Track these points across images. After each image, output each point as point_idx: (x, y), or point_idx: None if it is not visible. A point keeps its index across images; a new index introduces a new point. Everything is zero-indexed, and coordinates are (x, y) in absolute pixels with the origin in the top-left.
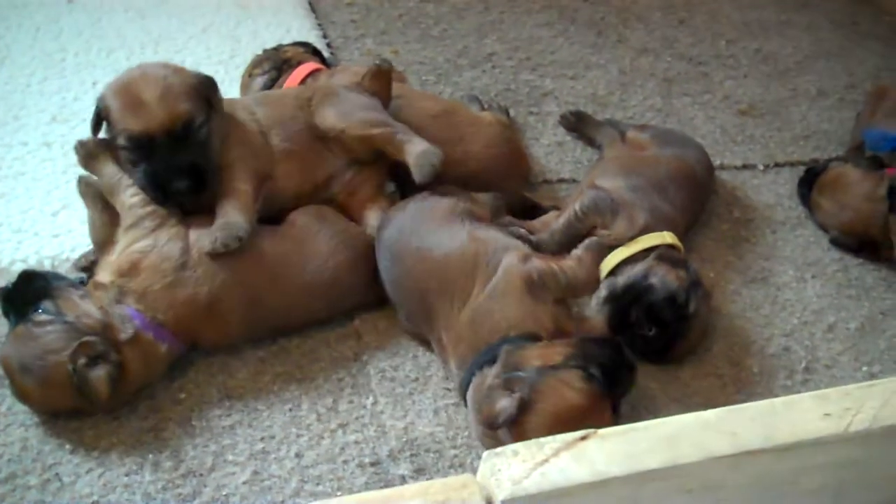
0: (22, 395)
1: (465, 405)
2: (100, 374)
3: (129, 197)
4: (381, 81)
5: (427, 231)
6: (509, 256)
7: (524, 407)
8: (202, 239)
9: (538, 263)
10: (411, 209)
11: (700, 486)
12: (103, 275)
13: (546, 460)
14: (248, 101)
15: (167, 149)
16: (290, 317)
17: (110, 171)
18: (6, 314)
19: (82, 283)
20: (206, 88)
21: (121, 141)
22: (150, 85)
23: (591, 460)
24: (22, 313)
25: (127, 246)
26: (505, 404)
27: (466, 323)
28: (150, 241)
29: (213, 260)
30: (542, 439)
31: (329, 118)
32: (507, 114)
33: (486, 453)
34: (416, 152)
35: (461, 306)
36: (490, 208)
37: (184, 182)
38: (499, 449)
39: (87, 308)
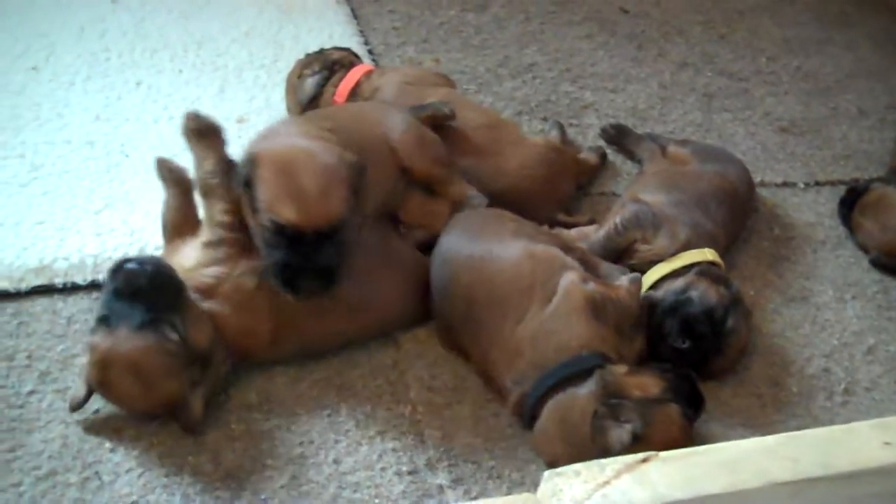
0: (114, 391)
1: (524, 419)
2: (198, 398)
3: (219, 213)
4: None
5: (484, 241)
6: (569, 275)
7: (636, 439)
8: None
9: (598, 286)
10: (474, 218)
11: None
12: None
13: (608, 482)
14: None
15: (311, 245)
16: (339, 341)
17: (211, 166)
18: (127, 296)
19: None
20: (359, 179)
21: (264, 220)
22: (312, 175)
23: (653, 483)
24: (152, 314)
25: (203, 265)
26: (620, 436)
27: (527, 340)
28: (226, 268)
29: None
30: (604, 461)
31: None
32: (564, 137)
33: (547, 472)
34: (465, 195)
35: (515, 323)
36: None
37: (317, 283)
38: (560, 469)
39: (204, 330)
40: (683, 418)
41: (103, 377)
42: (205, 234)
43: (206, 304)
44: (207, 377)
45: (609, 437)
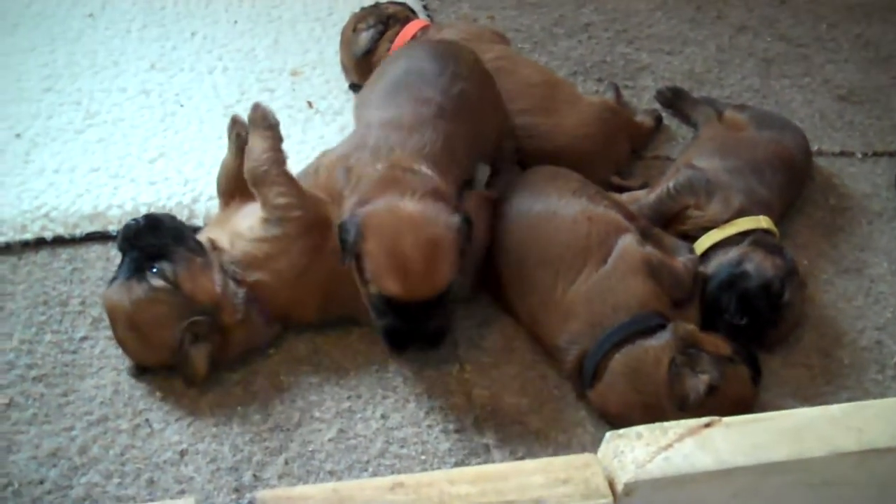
0: (121, 343)
1: (584, 377)
2: (201, 353)
3: (276, 196)
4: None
5: (544, 199)
6: (626, 238)
7: (711, 390)
8: None
9: (654, 250)
10: (540, 175)
11: (822, 482)
12: (224, 239)
13: (670, 445)
14: None
15: (418, 313)
16: None
17: (260, 152)
18: (122, 250)
19: (195, 230)
20: (465, 239)
21: (373, 290)
22: (417, 249)
23: (716, 448)
24: (139, 264)
25: (258, 239)
26: (696, 384)
27: (581, 301)
28: (285, 245)
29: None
30: (667, 424)
31: None
32: (620, 99)
33: (608, 434)
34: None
35: (567, 284)
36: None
37: (426, 346)
38: (622, 431)
39: (202, 283)
40: (752, 380)
41: (113, 331)
42: (264, 213)
43: (255, 276)
44: (216, 332)
45: (686, 385)
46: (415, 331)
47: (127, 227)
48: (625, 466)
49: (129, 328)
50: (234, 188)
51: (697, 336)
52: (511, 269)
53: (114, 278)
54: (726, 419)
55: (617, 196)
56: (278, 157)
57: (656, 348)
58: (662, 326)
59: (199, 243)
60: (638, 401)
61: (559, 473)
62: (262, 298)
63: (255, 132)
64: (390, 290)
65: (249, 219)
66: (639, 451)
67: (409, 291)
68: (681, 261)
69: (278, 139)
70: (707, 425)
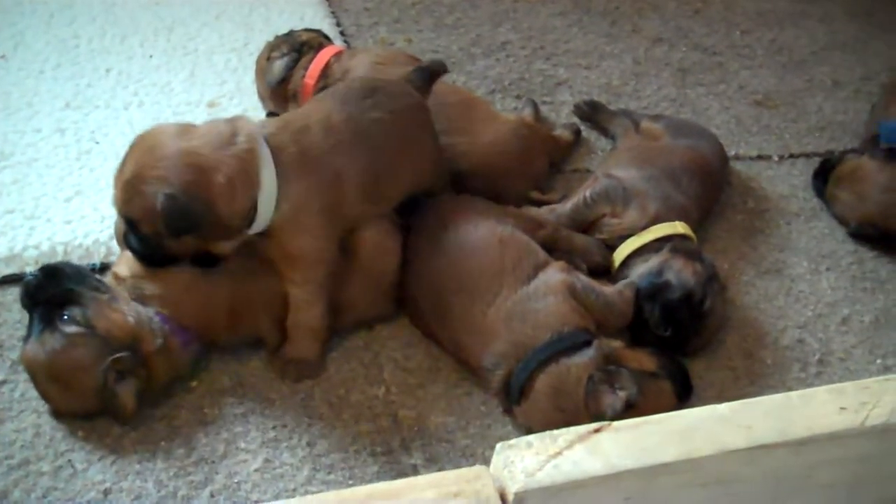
0: (44, 396)
1: (511, 396)
2: (128, 389)
3: None
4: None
5: (451, 227)
6: (555, 266)
7: (628, 406)
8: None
9: (581, 276)
10: (442, 204)
11: (714, 480)
12: (122, 268)
13: (560, 453)
14: None
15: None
16: None
17: None
18: (27, 309)
19: (94, 269)
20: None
21: None
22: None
23: (606, 453)
24: (48, 316)
25: None
26: (612, 401)
27: (502, 321)
28: None
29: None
30: (557, 431)
31: None
32: (537, 115)
33: (499, 445)
34: None
35: (485, 306)
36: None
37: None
38: (512, 441)
39: (116, 318)
40: (675, 396)
41: (36, 389)
42: None
43: (158, 288)
44: (139, 366)
45: (602, 402)
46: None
47: (26, 284)
48: (514, 476)
49: (50, 380)
50: None
51: (620, 352)
52: (428, 298)
53: (27, 337)
54: (616, 423)
55: (518, 211)
56: None
57: (578, 366)
58: (588, 343)
59: (100, 281)
60: (561, 419)
61: (451, 487)
62: (174, 314)
63: None
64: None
65: None
66: (529, 459)
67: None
68: (616, 288)
69: None
70: (597, 430)
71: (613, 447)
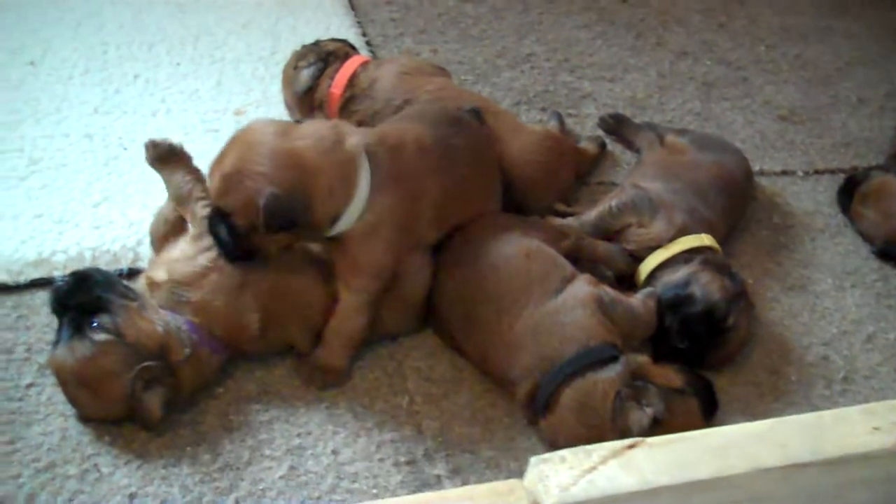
0: (72, 401)
1: (537, 408)
2: (155, 397)
3: (201, 209)
4: None
5: (477, 241)
6: (582, 279)
7: (655, 423)
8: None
9: (608, 289)
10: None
11: (747, 498)
12: (160, 273)
13: (594, 468)
14: None
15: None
16: None
17: (179, 178)
18: (57, 314)
19: (121, 275)
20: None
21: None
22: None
23: (640, 469)
24: (77, 323)
25: (193, 256)
26: (639, 417)
27: (529, 334)
28: (217, 256)
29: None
30: (591, 446)
31: None
32: (563, 127)
33: (533, 459)
34: None
35: (512, 319)
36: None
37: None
38: (546, 455)
39: (145, 327)
40: (702, 413)
41: (64, 394)
42: (193, 230)
43: (195, 295)
44: (167, 374)
45: (629, 419)
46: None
47: (56, 289)
48: (549, 490)
49: (79, 387)
50: (169, 230)
51: (647, 368)
52: (455, 310)
53: (56, 342)
54: (650, 439)
55: (541, 222)
56: (198, 175)
57: (605, 381)
58: (615, 358)
59: (129, 288)
60: (586, 434)
61: (484, 500)
62: (205, 324)
63: (164, 167)
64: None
65: (181, 243)
66: (563, 474)
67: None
68: (639, 298)
69: (189, 159)
70: (631, 446)
71: (648, 463)
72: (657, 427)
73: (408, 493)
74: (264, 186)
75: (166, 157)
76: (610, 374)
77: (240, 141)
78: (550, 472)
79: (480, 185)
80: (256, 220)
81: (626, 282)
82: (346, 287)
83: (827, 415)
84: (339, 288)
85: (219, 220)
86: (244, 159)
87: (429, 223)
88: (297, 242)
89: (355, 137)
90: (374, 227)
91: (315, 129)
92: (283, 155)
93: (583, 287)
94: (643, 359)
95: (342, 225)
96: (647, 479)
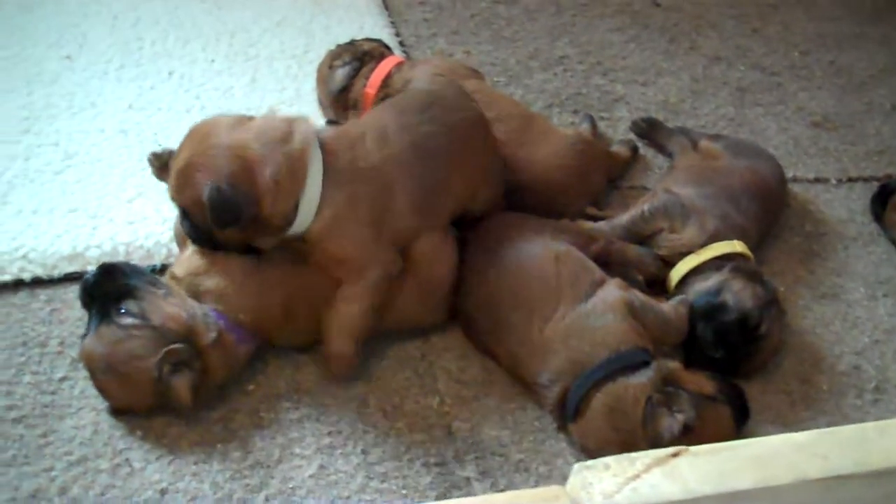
0: (102, 391)
1: (567, 412)
2: (184, 380)
3: None
4: None
5: (506, 243)
6: (613, 283)
7: (686, 430)
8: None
9: (639, 294)
10: (497, 221)
11: None
12: (178, 269)
13: (638, 476)
14: None
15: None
16: None
17: None
18: (86, 306)
19: (153, 270)
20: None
21: None
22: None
23: (684, 478)
24: (105, 311)
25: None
26: (670, 424)
27: (560, 338)
28: None
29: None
30: (634, 454)
31: None
32: (595, 130)
33: (576, 466)
34: None
35: (543, 323)
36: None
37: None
38: (589, 462)
39: (171, 311)
40: (734, 421)
41: (94, 383)
42: None
43: (210, 283)
44: (194, 358)
45: (660, 425)
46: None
47: (84, 282)
48: (593, 498)
49: (108, 373)
50: None
51: (679, 374)
52: (484, 314)
53: (85, 334)
54: (694, 448)
55: (571, 225)
56: None
57: (636, 386)
58: (647, 363)
59: (155, 278)
60: (616, 439)
61: None
62: (228, 310)
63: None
64: None
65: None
66: (607, 481)
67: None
68: (670, 304)
69: None
70: (675, 454)
71: (691, 472)
72: (688, 434)
73: (437, 495)
74: (209, 179)
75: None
76: (641, 380)
77: (193, 135)
78: (594, 479)
79: (467, 170)
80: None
81: (657, 287)
82: (339, 278)
83: (870, 427)
84: (336, 281)
85: (183, 216)
86: (195, 152)
87: (408, 214)
88: (254, 241)
89: (308, 129)
90: (336, 223)
91: (265, 122)
92: (227, 147)
93: (613, 291)
94: (675, 364)
95: (301, 223)
96: (691, 488)
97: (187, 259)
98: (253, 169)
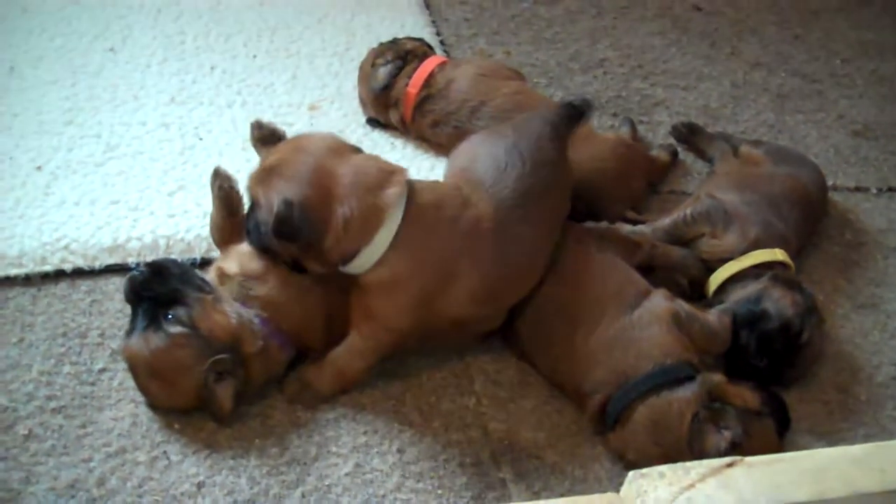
0: (144, 391)
1: (607, 421)
2: (227, 389)
3: None
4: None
5: (555, 254)
6: (659, 294)
7: (733, 447)
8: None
9: (684, 304)
10: None
11: None
12: (231, 265)
13: (692, 485)
14: None
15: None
16: None
17: None
18: (132, 303)
19: (193, 264)
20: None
21: None
22: None
23: (738, 489)
24: (153, 314)
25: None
26: (717, 441)
27: (603, 348)
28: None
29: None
30: (689, 463)
31: None
32: (635, 134)
33: (631, 473)
34: None
35: (587, 333)
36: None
37: None
38: (645, 470)
39: (219, 319)
40: (778, 434)
41: (136, 383)
42: None
43: (262, 290)
44: (238, 366)
45: (707, 443)
46: None
47: (132, 278)
48: None
49: (152, 377)
50: (228, 238)
51: (723, 388)
52: (528, 323)
53: (129, 331)
54: (749, 459)
55: (614, 234)
56: None
57: (681, 401)
58: (691, 378)
59: (204, 281)
60: (657, 453)
61: None
62: (274, 318)
63: (266, 147)
64: None
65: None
66: (661, 490)
67: None
68: (714, 314)
69: None
70: (729, 465)
71: (746, 483)
72: (735, 451)
73: (472, 495)
74: (287, 191)
75: (268, 139)
76: (686, 394)
77: (296, 141)
78: (649, 487)
79: (538, 267)
80: (271, 220)
81: (697, 291)
82: (356, 329)
83: None
84: (352, 324)
85: (252, 209)
86: (287, 160)
87: (461, 305)
88: (305, 262)
89: (399, 189)
90: (390, 284)
91: (365, 163)
92: (319, 172)
93: (660, 302)
94: (719, 378)
95: (356, 267)
96: (745, 499)
97: (245, 259)
98: (330, 203)
